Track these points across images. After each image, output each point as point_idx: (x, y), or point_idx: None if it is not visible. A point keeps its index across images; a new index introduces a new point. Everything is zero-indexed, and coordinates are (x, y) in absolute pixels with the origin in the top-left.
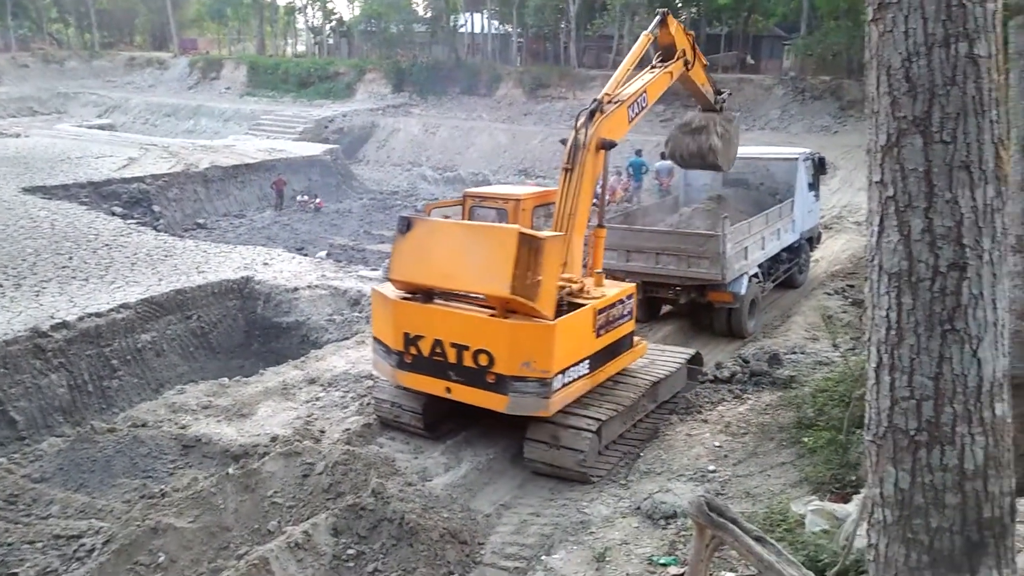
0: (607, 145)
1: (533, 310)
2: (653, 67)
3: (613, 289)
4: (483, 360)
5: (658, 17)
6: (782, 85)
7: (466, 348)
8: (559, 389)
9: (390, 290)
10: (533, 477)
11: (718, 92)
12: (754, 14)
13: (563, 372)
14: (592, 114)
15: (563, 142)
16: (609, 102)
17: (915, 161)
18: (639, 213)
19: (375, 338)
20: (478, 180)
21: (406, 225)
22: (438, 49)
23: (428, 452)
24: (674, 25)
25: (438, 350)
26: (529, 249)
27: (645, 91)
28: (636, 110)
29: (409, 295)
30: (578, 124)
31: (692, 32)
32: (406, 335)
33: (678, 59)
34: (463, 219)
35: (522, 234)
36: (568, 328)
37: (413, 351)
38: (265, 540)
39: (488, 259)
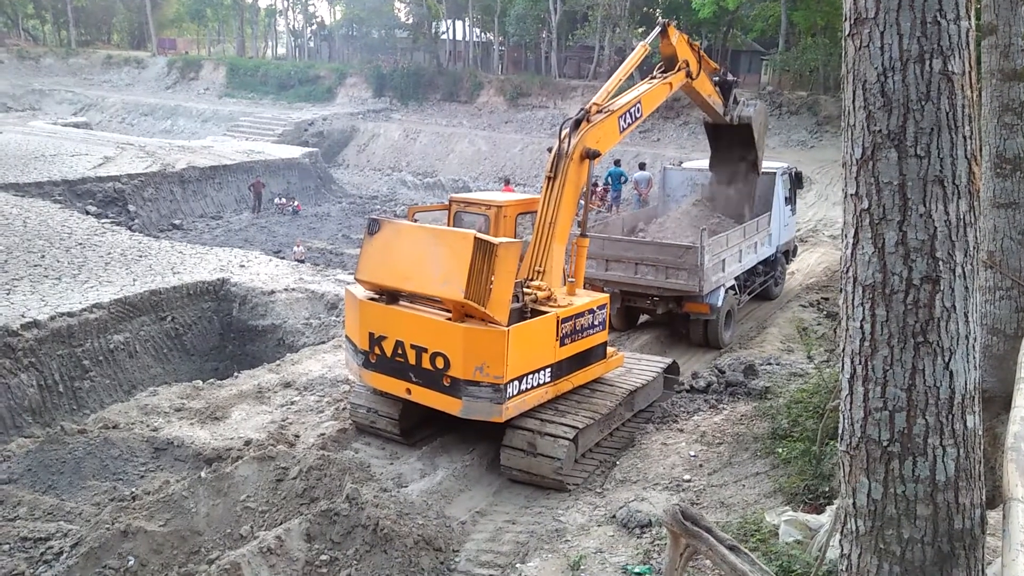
0: (591, 155)
1: (485, 315)
2: (652, 77)
3: (584, 299)
4: (440, 363)
5: (658, 28)
6: (760, 99)
7: (425, 350)
8: (514, 396)
9: (360, 290)
10: (509, 484)
11: (735, 101)
12: (733, 29)
13: (519, 379)
14: (578, 123)
15: (550, 150)
16: (597, 112)
17: (890, 175)
18: (618, 223)
19: (346, 336)
20: (458, 186)
21: (375, 227)
22: (420, 55)
23: (404, 458)
24: (675, 36)
25: (399, 351)
26: (484, 254)
27: (640, 101)
28: (628, 120)
29: (376, 295)
30: (563, 133)
31: (697, 42)
32: (371, 335)
33: (679, 70)
34: (448, 224)
35: (477, 239)
36: (524, 335)
37: (377, 351)
38: (237, 545)
39: (445, 263)
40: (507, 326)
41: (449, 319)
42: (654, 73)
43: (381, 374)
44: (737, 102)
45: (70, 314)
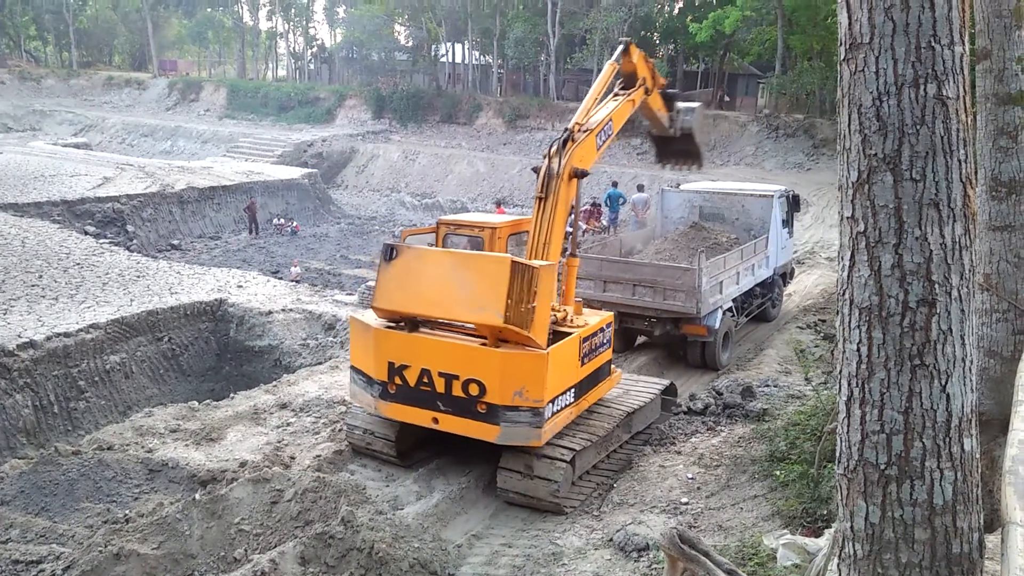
0: (580, 174)
1: (527, 339)
2: (616, 95)
3: (594, 317)
4: (473, 390)
5: (621, 46)
6: (757, 122)
7: (456, 378)
8: (550, 418)
9: (371, 318)
10: (506, 507)
11: (676, 112)
12: (730, 53)
13: (552, 401)
14: (564, 143)
15: (535, 171)
16: (580, 131)
17: (885, 198)
18: (616, 244)
19: (353, 367)
20: (456, 207)
21: (391, 252)
22: (419, 77)
23: (400, 480)
24: (636, 54)
25: (425, 380)
26: (522, 277)
27: (611, 119)
28: (603, 138)
29: (393, 323)
30: (551, 152)
31: (652, 60)
32: (390, 364)
33: (639, 87)
34: (437, 247)
35: (515, 263)
36: (559, 356)
37: (398, 381)
38: (231, 568)
39: (479, 287)
40: (546, 349)
41: (483, 344)
42: (616, 91)
43: (403, 404)
44: (679, 112)
45: (66, 334)
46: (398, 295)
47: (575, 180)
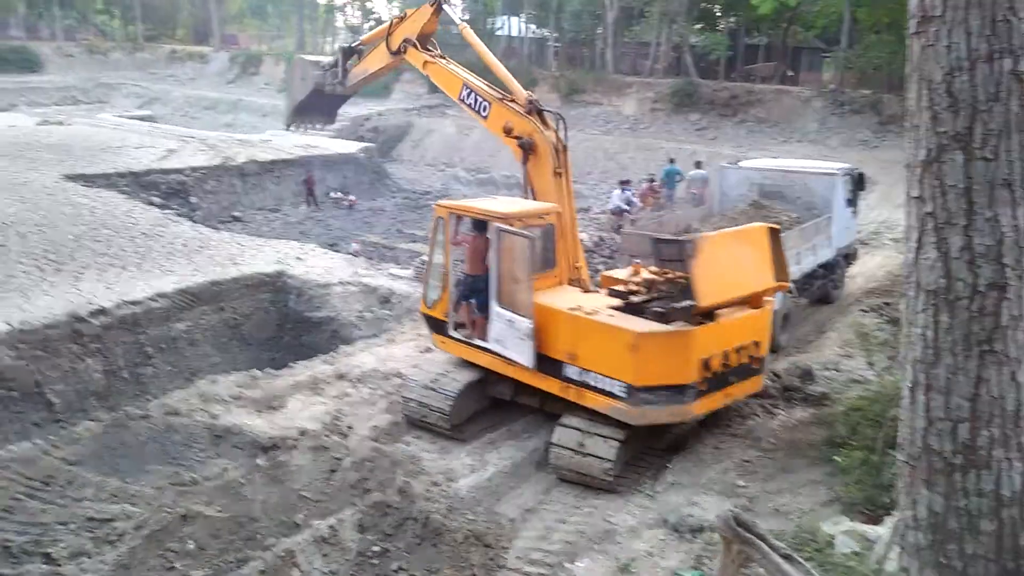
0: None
1: (781, 288)
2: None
3: None
4: (752, 351)
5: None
6: (821, 98)
7: (743, 347)
8: None
9: (670, 326)
10: (558, 483)
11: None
12: (794, 25)
13: None
14: (539, 114)
15: (525, 147)
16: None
17: (955, 177)
18: (671, 222)
19: (645, 387)
20: (511, 183)
21: (692, 248)
22: (474, 52)
23: (454, 453)
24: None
25: (727, 361)
26: (775, 240)
27: None
28: None
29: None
30: (538, 127)
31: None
32: (703, 361)
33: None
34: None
35: (771, 229)
36: None
37: (707, 374)
38: (292, 532)
39: (754, 258)
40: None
41: (754, 309)
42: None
43: (711, 394)
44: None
45: (135, 302)
46: (716, 287)
47: None
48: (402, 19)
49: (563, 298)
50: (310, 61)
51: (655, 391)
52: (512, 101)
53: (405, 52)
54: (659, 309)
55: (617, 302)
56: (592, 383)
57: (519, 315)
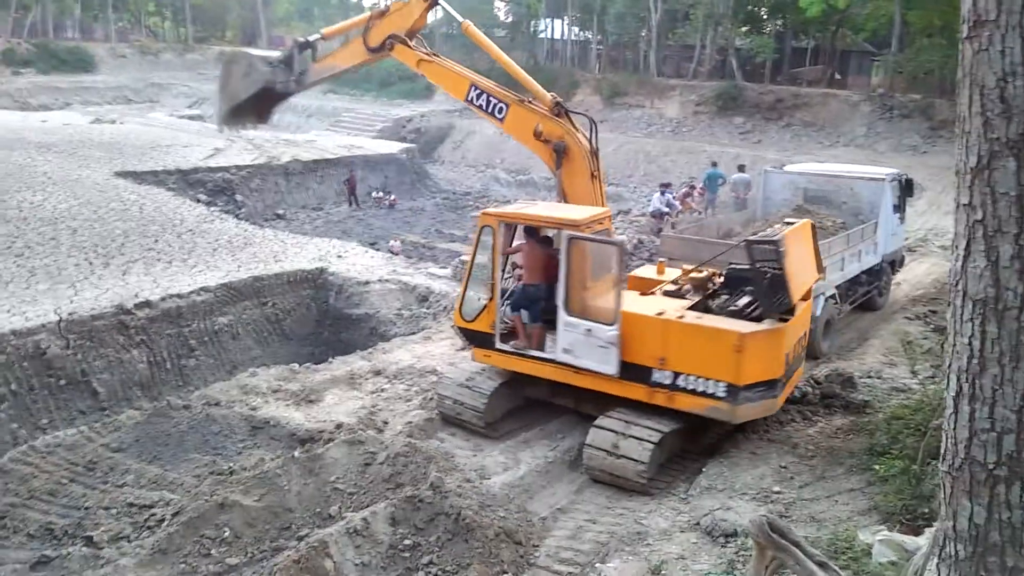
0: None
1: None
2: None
3: None
4: (803, 340)
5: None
6: (869, 102)
7: (803, 337)
8: None
9: (764, 324)
10: (591, 483)
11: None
12: (843, 28)
13: None
14: (568, 115)
15: (558, 151)
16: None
17: (1007, 185)
18: (713, 225)
19: (747, 386)
20: (550, 184)
21: (780, 247)
22: (517, 54)
23: (487, 451)
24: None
25: (792, 352)
26: (815, 235)
27: None
28: None
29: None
30: (568, 130)
31: None
32: (787, 355)
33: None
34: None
35: (812, 225)
36: None
37: (787, 367)
38: (326, 524)
39: (809, 251)
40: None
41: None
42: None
43: (786, 386)
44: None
45: (179, 296)
46: (799, 283)
47: None
48: (383, 13)
49: (634, 303)
50: (257, 56)
51: (753, 388)
52: (531, 102)
53: (391, 49)
54: (749, 310)
55: (684, 302)
56: (687, 386)
57: (599, 323)
